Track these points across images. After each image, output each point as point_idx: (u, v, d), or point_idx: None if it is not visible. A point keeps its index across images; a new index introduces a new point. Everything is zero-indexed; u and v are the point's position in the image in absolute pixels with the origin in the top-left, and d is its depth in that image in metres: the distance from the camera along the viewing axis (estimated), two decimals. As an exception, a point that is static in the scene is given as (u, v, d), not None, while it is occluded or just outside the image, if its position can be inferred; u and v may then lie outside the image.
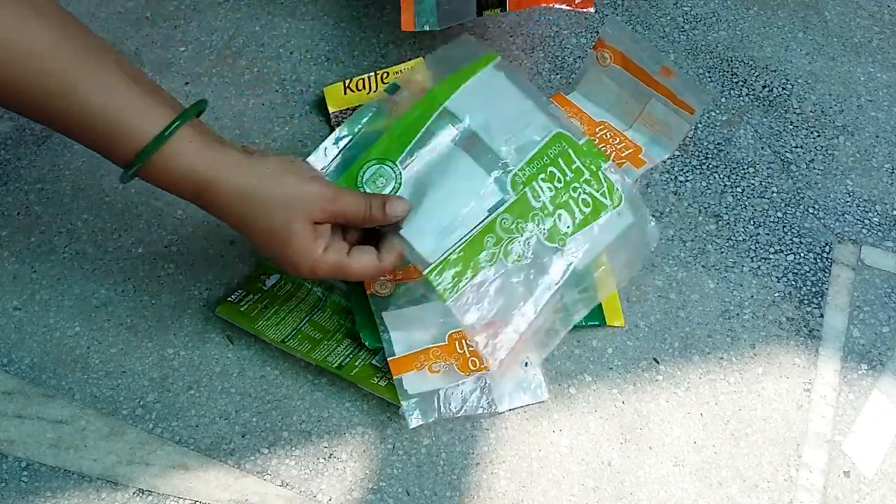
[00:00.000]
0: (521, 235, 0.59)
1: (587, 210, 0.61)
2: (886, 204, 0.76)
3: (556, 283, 0.60)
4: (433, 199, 0.60)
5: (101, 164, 0.74)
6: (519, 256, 0.59)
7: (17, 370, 0.64)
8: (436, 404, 0.61)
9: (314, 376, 0.64)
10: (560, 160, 0.61)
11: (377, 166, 0.61)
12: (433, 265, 0.58)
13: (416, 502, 0.60)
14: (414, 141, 0.61)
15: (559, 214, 0.61)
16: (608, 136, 0.78)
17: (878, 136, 0.81)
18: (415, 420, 0.60)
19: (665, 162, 0.77)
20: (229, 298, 0.65)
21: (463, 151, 0.61)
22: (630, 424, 0.64)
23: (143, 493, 0.59)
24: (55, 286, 0.68)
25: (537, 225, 0.60)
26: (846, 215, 0.75)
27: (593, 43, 0.79)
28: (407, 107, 0.63)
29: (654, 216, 0.74)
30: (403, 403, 0.60)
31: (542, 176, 0.61)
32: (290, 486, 0.60)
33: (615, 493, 0.61)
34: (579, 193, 0.61)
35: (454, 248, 0.58)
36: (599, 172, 0.62)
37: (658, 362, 0.67)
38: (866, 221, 0.75)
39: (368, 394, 0.63)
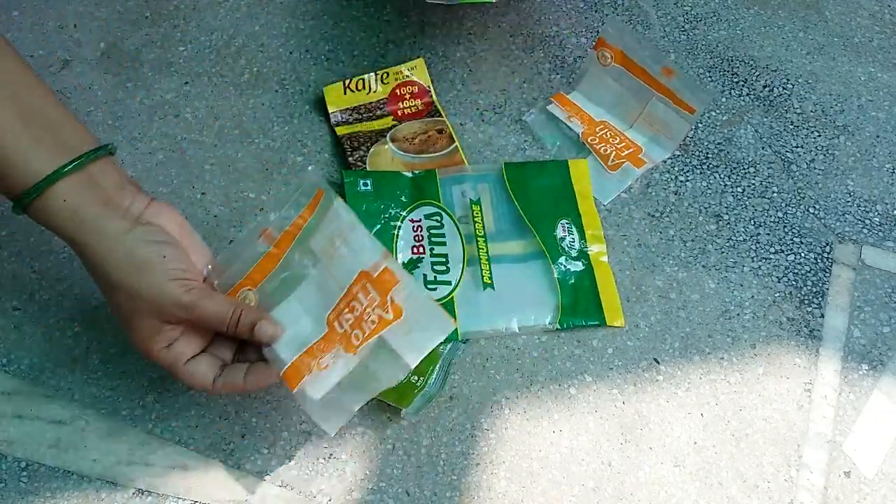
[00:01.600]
0: None
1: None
2: (887, 204, 0.76)
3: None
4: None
5: (101, 164, 0.74)
6: None
7: (16, 370, 0.64)
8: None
9: (314, 376, 0.64)
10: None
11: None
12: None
13: (416, 503, 0.60)
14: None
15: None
16: (608, 136, 0.78)
17: (878, 136, 0.81)
18: (333, 427, 0.53)
19: (665, 162, 0.77)
20: None
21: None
22: (630, 425, 0.64)
23: (142, 493, 0.59)
24: (55, 286, 0.68)
25: None
26: (847, 215, 0.75)
27: (594, 42, 0.79)
28: None
29: (654, 216, 0.74)
30: (313, 415, 0.53)
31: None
32: (290, 486, 0.60)
33: (615, 493, 0.61)
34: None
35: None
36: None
37: (658, 362, 0.67)
38: (867, 221, 0.75)
39: (368, 394, 0.63)
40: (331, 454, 0.61)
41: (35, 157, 0.51)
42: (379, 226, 0.70)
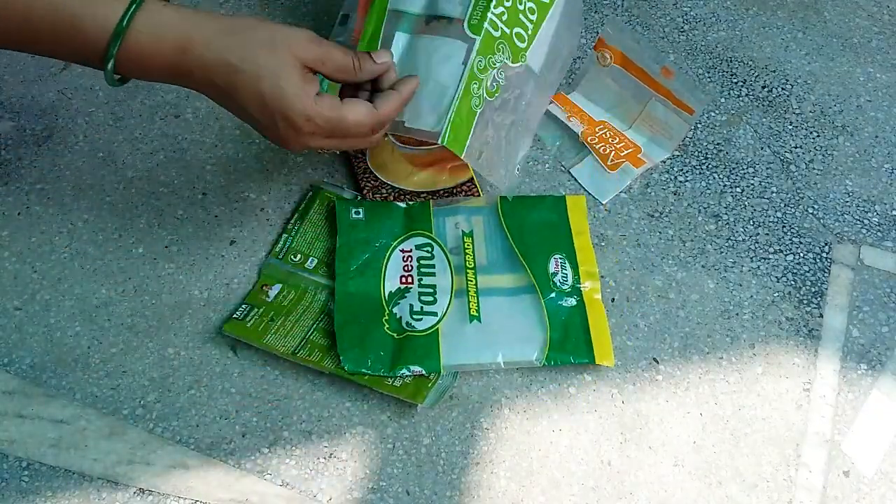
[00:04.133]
0: (493, 68, 0.64)
1: (534, 18, 0.67)
2: (886, 204, 0.76)
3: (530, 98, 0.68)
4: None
5: (102, 164, 0.74)
6: (496, 87, 0.65)
7: (17, 370, 0.64)
8: None
9: (314, 376, 0.64)
10: None
11: None
12: (442, 133, 0.61)
13: (416, 502, 0.60)
14: (379, 48, 0.65)
15: (515, 33, 0.66)
16: (608, 136, 0.78)
17: (877, 137, 0.81)
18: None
19: (665, 162, 0.77)
20: (235, 315, 0.65)
21: (420, 35, 0.65)
22: (630, 424, 0.64)
23: (143, 492, 0.59)
24: (56, 286, 0.68)
25: (502, 52, 0.65)
26: (845, 215, 0.75)
27: (593, 42, 0.79)
28: (361, 25, 0.67)
29: (653, 216, 0.74)
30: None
31: (492, 4, 0.64)
32: (291, 485, 0.60)
33: (615, 492, 0.61)
34: (524, 4, 0.66)
35: (451, 109, 0.62)
36: None
37: (658, 362, 0.67)
38: (865, 221, 0.75)
39: (368, 393, 0.63)
40: (331, 453, 0.61)
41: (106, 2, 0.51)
42: (368, 254, 0.69)
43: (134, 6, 0.51)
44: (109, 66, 0.52)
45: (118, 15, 0.51)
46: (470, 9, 0.64)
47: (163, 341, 0.66)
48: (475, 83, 0.64)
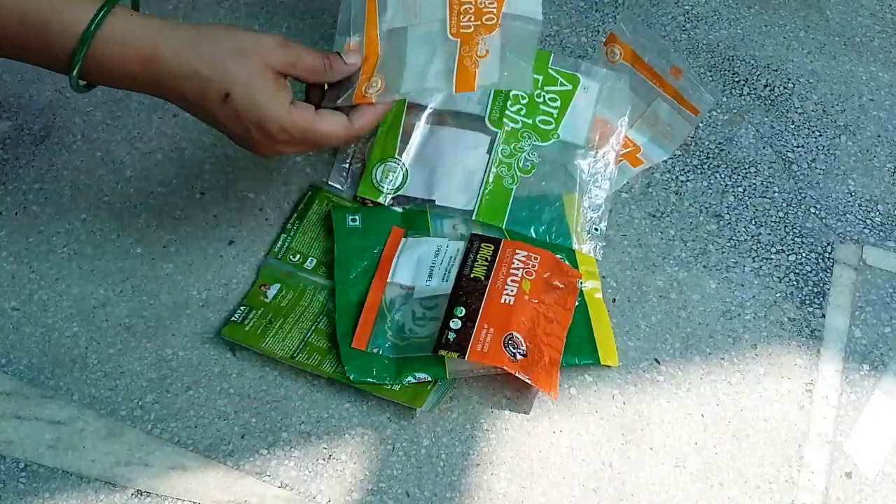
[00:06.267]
0: (522, 152, 0.72)
1: (558, 103, 0.74)
2: (888, 203, 0.76)
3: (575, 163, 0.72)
4: (442, 168, 0.71)
5: (100, 164, 0.74)
6: (531, 165, 0.71)
7: (15, 370, 0.64)
8: None
9: (313, 377, 0.64)
10: None
11: (383, 164, 0.71)
12: (475, 210, 0.70)
13: (415, 503, 0.60)
14: (399, 137, 0.72)
15: (539, 120, 0.73)
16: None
17: (879, 136, 0.80)
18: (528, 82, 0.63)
19: (666, 162, 0.77)
20: (233, 318, 0.65)
21: (440, 126, 0.72)
22: (631, 425, 0.63)
23: (141, 494, 0.59)
24: (53, 286, 0.68)
25: (528, 138, 0.72)
26: (848, 215, 0.75)
27: (594, 42, 0.79)
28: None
29: (654, 216, 0.74)
30: (502, 84, 0.60)
31: (509, 103, 0.73)
32: (290, 487, 0.60)
33: (616, 494, 0.60)
34: (543, 97, 0.73)
35: (480, 191, 0.70)
36: (549, 71, 0.74)
37: (659, 363, 0.67)
38: (868, 221, 0.75)
39: (368, 395, 0.63)
40: (330, 455, 0.61)
41: (79, 4, 0.51)
42: (367, 262, 0.67)
43: (102, 12, 0.51)
44: (75, 72, 0.52)
45: (85, 21, 0.51)
46: (488, 108, 0.73)
47: (161, 342, 0.65)
48: (503, 167, 0.71)
